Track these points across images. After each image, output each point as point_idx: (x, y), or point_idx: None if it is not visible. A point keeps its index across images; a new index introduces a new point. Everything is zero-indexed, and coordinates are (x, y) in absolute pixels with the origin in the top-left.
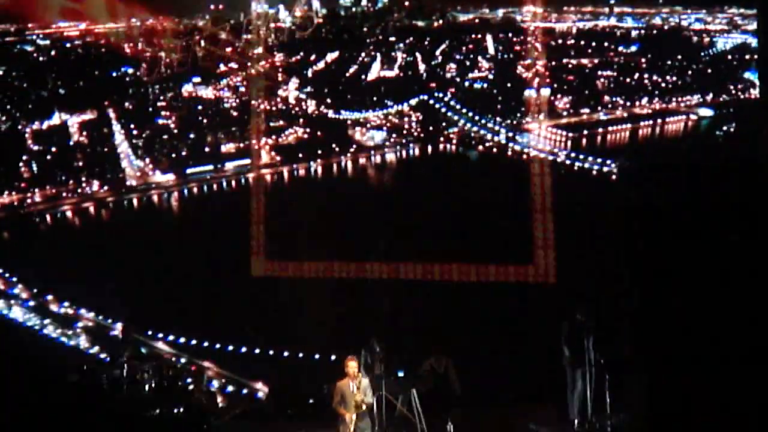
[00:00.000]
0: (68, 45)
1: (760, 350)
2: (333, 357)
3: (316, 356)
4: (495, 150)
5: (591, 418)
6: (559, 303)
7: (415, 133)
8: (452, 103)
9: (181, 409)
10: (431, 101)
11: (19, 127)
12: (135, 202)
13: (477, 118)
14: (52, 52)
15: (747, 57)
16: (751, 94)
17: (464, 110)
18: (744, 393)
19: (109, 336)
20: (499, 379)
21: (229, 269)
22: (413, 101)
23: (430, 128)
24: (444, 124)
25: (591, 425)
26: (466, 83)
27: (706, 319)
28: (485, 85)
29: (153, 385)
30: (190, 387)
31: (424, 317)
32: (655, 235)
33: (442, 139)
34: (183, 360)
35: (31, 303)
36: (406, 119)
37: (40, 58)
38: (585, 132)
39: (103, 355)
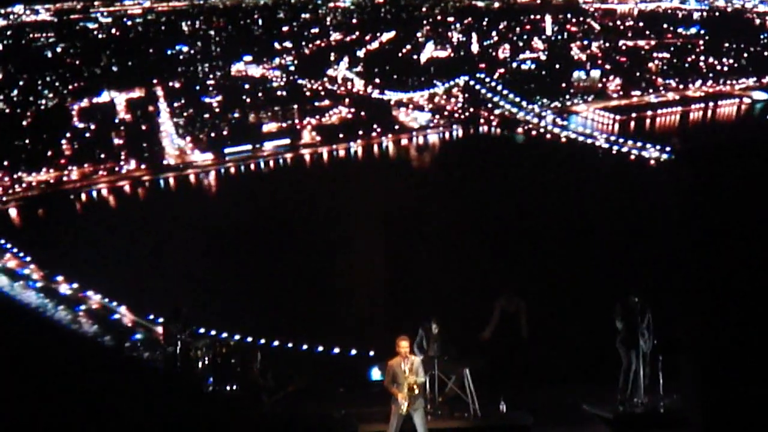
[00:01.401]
0: (129, 23)
1: None
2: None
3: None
4: (534, 133)
5: (643, 398)
6: (614, 283)
7: (457, 115)
8: (494, 85)
9: (235, 387)
10: (472, 83)
11: (67, 104)
12: (171, 181)
13: (519, 100)
14: (113, 30)
15: None
16: None
17: (507, 92)
18: None
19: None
20: (553, 357)
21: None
22: (456, 82)
23: (471, 110)
24: (489, 105)
25: (643, 406)
26: (515, 64)
27: (763, 304)
28: (533, 66)
29: (207, 362)
30: (244, 365)
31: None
32: (712, 218)
33: (483, 121)
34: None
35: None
36: (450, 100)
37: (99, 36)
38: (633, 115)
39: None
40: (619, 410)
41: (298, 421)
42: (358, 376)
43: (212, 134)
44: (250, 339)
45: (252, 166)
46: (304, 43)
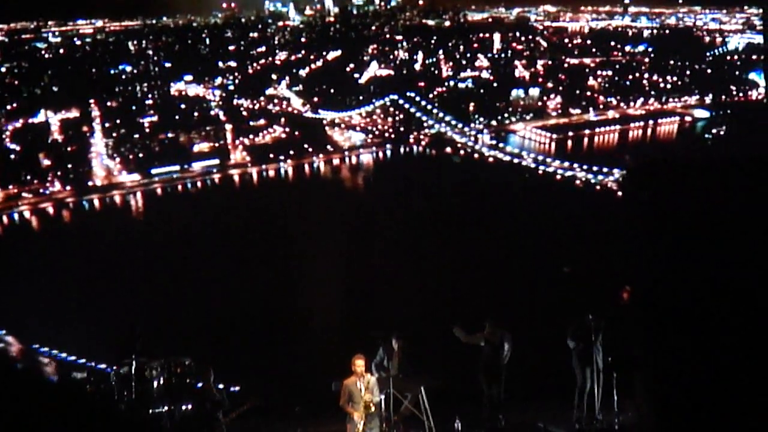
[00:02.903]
0: (78, 42)
1: None
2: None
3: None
4: (463, 152)
5: (599, 416)
6: (568, 302)
7: (387, 135)
8: (424, 103)
9: (190, 406)
10: (401, 101)
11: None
12: (96, 203)
13: (448, 119)
14: (60, 50)
15: (754, 57)
16: (752, 96)
17: (437, 112)
18: (753, 395)
19: None
20: (508, 376)
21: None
22: (383, 102)
23: (401, 129)
24: (418, 125)
25: (599, 423)
26: (452, 83)
27: (718, 320)
28: (471, 85)
29: (161, 382)
30: (199, 384)
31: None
32: (665, 235)
33: (412, 140)
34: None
35: None
36: (384, 119)
37: (46, 56)
38: (570, 134)
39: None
40: (575, 428)
41: None
42: (314, 394)
43: (140, 155)
44: (202, 358)
45: (179, 187)
46: (249, 63)
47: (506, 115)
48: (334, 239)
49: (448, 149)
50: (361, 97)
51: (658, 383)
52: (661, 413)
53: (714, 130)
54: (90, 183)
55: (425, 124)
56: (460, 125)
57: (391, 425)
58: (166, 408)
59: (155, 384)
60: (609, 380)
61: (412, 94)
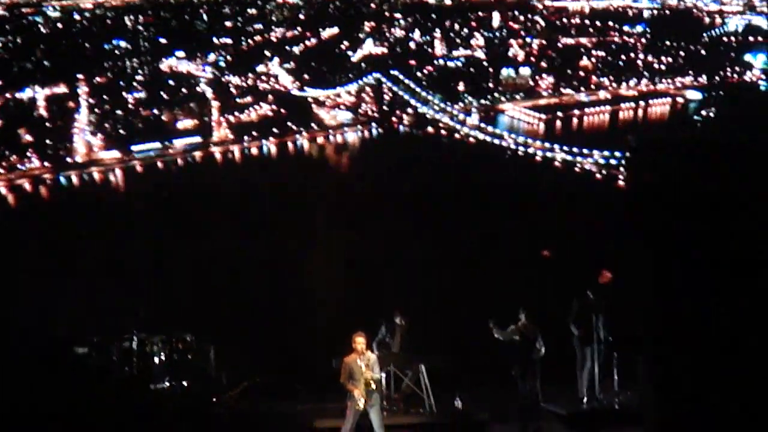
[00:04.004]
0: (78, 17)
1: None
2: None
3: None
4: (445, 132)
5: (599, 395)
6: (570, 281)
7: (370, 114)
8: (407, 82)
9: (191, 383)
10: (386, 81)
11: None
12: (75, 179)
13: (430, 98)
14: (58, 24)
15: (751, 39)
16: (747, 77)
17: (420, 90)
18: (753, 375)
19: None
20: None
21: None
22: (365, 81)
23: (384, 108)
24: (400, 104)
25: (599, 402)
26: (442, 61)
27: (719, 300)
28: (461, 64)
29: (163, 358)
30: (200, 361)
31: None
32: (667, 214)
33: (395, 120)
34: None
35: None
36: (370, 98)
37: (43, 30)
38: (560, 114)
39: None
40: (575, 407)
41: (253, 417)
42: (315, 372)
43: (122, 131)
44: (203, 335)
45: (159, 164)
46: (244, 39)
47: (496, 95)
48: (328, 218)
49: (430, 129)
50: (351, 75)
51: (659, 363)
52: (661, 393)
53: (703, 112)
54: (69, 159)
55: (409, 104)
56: (444, 105)
57: (392, 402)
58: (167, 384)
59: (156, 360)
60: (609, 360)
61: (396, 72)
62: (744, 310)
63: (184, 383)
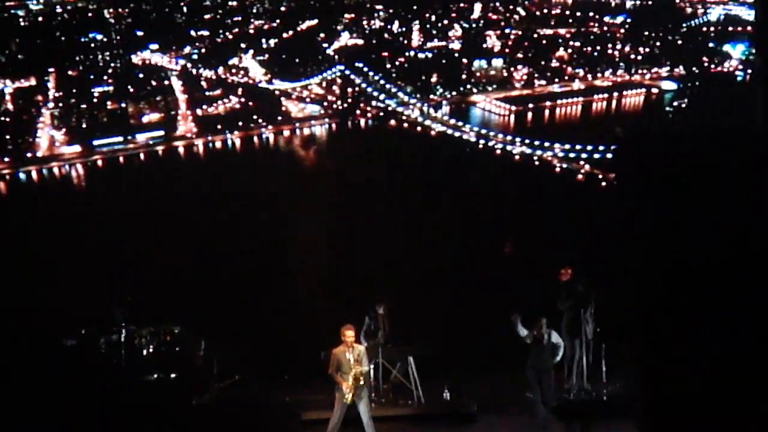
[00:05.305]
0: (59, 10)
1: (762, 328)
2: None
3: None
4: (406, 125)
5: (587, 386)
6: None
7: (335, 106)
8: (371, 74)
9: (179, 375)
10: (349, 74)
11: None
12: (34, 174)
13: (395, 91)
14: (40, 18)
15: (730, 29)
16: (724, 68)
17: (384, 83)
18: (745, 365)
19: None
20: (495, 348)
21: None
22: (330, 74)
23: (349, 101)
24: (365, 97)
25: (587, 394)
26: (412, 53)
27: (709, 293)
28: (429, 55)
29: (151, 350)
30: (188, 353)
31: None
32: (657, 207)
33: (359, 113)
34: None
35: None
36: (339, 91)
37: (23, 23)
38: (531, 106)
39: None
40: (563, 398)
41: (242, 408)
42: (303, 362)
43: (85, 126)
44: (193, 327)
45: (121, 159)
46: (222, 31)
47: (468, 86)
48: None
49: (392, 122)
50: (322, 67)
51: (647, 354)
52: (648, 384)
53: (675, 103)
54: (29, 154)
55: (373, 97)
56: (411, 98)
57: (380, 394)
58: (155, 376)
59: (144, 352)
60: (597, 351)
61: (362, 65)
62: (735, 300)
63: (172, 375)
